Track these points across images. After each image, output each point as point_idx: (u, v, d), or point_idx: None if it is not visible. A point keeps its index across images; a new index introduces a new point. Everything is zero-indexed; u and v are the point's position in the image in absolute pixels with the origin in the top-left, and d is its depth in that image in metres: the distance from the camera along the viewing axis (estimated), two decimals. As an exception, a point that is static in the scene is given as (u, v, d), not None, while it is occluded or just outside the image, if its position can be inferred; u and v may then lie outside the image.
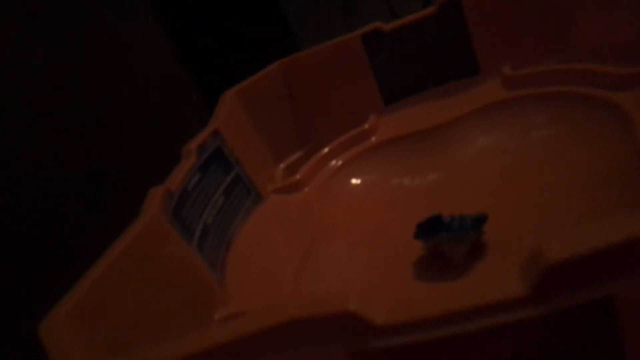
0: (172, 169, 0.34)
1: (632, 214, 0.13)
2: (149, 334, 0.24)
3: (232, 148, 0.40)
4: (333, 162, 0.45)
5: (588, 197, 0.30)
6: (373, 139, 0.45)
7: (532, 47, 0.43)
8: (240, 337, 0.15)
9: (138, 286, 0.26)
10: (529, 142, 0.38)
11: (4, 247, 0.43)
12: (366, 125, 0.46)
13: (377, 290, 0.28)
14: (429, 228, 0.31)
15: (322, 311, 0.14)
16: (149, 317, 0.26)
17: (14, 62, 0.50)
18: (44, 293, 0.27)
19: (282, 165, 0.47)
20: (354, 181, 0.43)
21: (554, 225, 0.29)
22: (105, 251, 0.26)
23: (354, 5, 0.91)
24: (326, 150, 0.45)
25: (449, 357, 0.15)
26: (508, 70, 0.43)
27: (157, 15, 0.69)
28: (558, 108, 0.37)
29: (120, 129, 0.61)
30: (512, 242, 0.30)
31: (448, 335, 0.14)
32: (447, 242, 0.30)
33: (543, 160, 0.35)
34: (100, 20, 0.62)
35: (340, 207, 0.41)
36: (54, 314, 0.21)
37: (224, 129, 0.40)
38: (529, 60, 0.42)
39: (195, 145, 0.36)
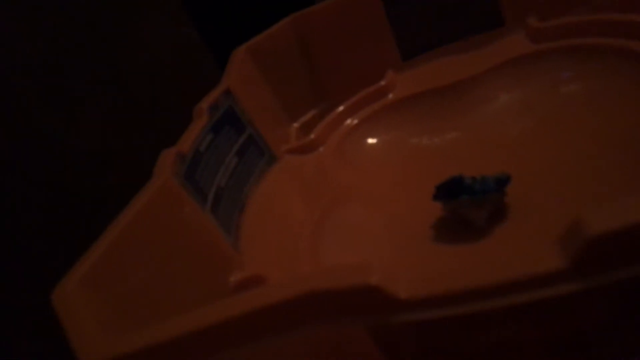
0: (183, 130, 0.33)
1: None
2: (164, 299, 0.24)
3: (244, 107, 0.39)
4: (349, 121, 0.43)
5: (617, 158, 0.29)
6: (390, 96, 0.43)
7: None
8: (258, 310, 0.15)
9: (152, 251, 0.25)
10: (556, 99, 0.36)
11: (17, 211, 0.43)
12: (383, 82, 0.44)
13: (397, 257, 0.28)
14: (449, 190, 0.30)
15: (344, 284, 0.14)
16: (164, 282, 0.25)
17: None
18: (56, 259, 0.27)
19: (296, 125, 0.46)
20: (371, 140, 0.42)
21: (580, 188, 0.28)
22: (117, 215, 0.25)
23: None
24: (341, 108, 0.43)
25: (477, 333, 0.14)
26: (534, 21, 0.40)
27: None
28: (588, 62, 0.36)
29: (132, 89, 0.60)
30: (534, 205, 0.29)
31: (477, 311, 0.13)
32: (468, 206, 0.29)
33: (570, 118, 0.34)
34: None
35: (356, 168, 0.40)
36: (66, 281, 0.21)
37: (235, 87, 0.39)
38: (556, 10, 0.40)
39: (207, 105, 0.35)
